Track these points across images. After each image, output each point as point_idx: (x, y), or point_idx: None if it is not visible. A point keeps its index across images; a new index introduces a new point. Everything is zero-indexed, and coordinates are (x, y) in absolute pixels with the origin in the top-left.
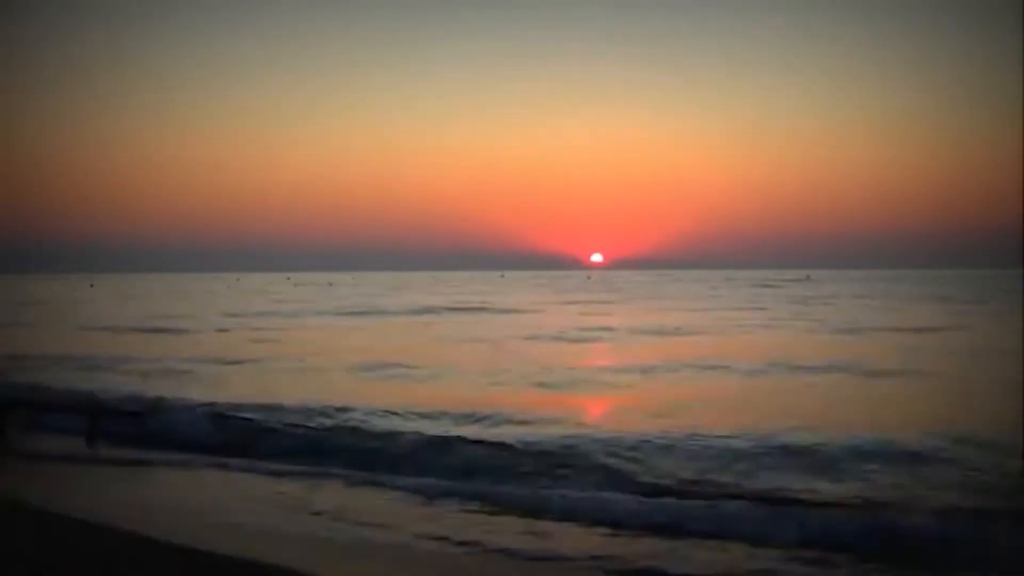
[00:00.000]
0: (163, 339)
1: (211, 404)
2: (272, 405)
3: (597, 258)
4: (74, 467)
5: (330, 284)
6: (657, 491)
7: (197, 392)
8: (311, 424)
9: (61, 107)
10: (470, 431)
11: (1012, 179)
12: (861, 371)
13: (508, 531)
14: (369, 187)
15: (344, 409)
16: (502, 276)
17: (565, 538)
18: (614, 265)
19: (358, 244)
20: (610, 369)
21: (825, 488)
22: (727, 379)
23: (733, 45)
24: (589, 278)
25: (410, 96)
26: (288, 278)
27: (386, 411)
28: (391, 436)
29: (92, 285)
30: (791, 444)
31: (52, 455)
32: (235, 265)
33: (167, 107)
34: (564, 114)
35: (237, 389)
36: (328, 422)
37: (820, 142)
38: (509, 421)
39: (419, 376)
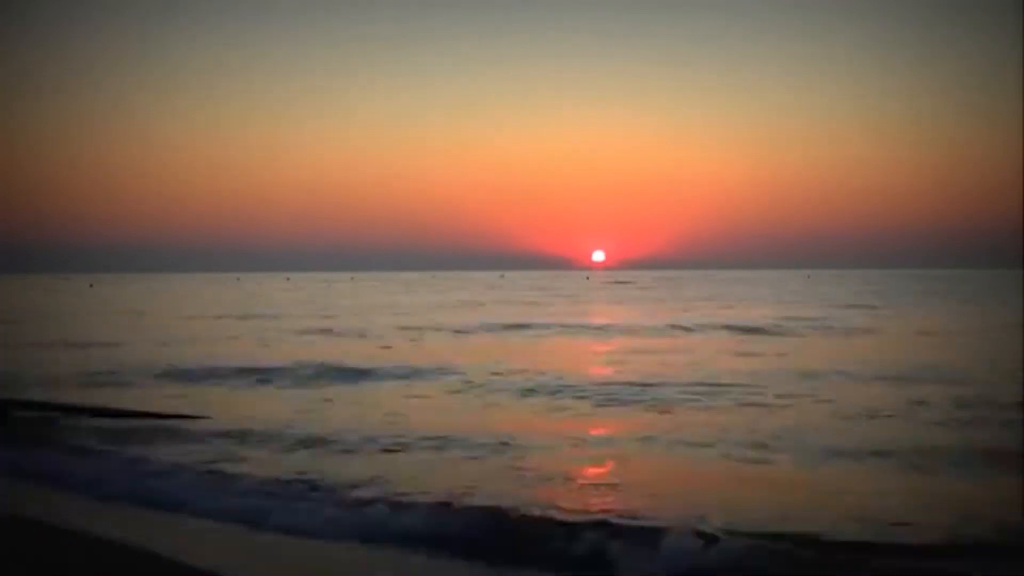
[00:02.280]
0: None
1: None
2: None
3: (599, 258)
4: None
5: None
6: None
7: None
8: None
9: (61, 107)
10: None
11: (1012, 179)
12: None
13: None
14: (369, 187)
15: None
16: (502, 276)
17: None
18: (619, 265)
19: (358, 244)
20: None
21: None
22: None
23: (735, 45)
24: (588, 278)
25: (410, 96)
26: (287, 278)
27: None
28: None
29: (91, 285)
30: None
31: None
32: (234, 265)
33: (167, 107)
34: (566, 114)
35: None
36: None
37: (821, 142)
38: None
39: None
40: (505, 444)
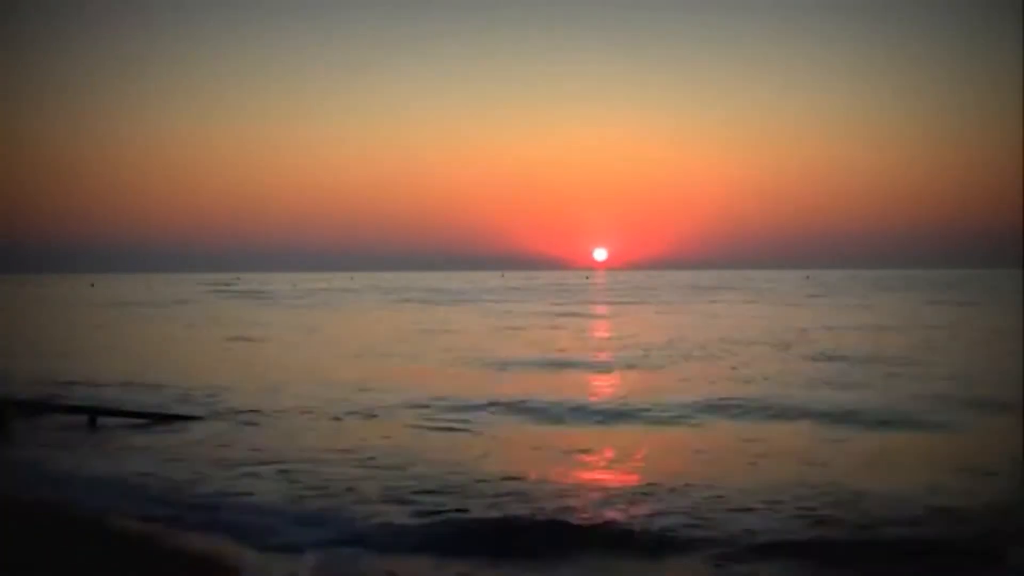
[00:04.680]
0: None
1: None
2: None
3: (601, 258)
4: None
5: None
6: None
7: None
8: None
9: (62, 107)
10: None
11: (1012, 179)
12: None
13: None
14: (370, 188)
15: None
16: (502, 276)
17: None
18: (620, 266)
19: (358, 245)
20: None
21: None
22: None
23: (737, 47)
24: (587, 279)
25: (412, 97)
26: (294, 285)
27: None
28: None
29: (92, 285)
30: None
31: (52, 454)
32: (235, 265)
33: (167, 107)
34: (568, 115)
35: None
36: None
37: (822, 143)
38: None
39: None
40: None
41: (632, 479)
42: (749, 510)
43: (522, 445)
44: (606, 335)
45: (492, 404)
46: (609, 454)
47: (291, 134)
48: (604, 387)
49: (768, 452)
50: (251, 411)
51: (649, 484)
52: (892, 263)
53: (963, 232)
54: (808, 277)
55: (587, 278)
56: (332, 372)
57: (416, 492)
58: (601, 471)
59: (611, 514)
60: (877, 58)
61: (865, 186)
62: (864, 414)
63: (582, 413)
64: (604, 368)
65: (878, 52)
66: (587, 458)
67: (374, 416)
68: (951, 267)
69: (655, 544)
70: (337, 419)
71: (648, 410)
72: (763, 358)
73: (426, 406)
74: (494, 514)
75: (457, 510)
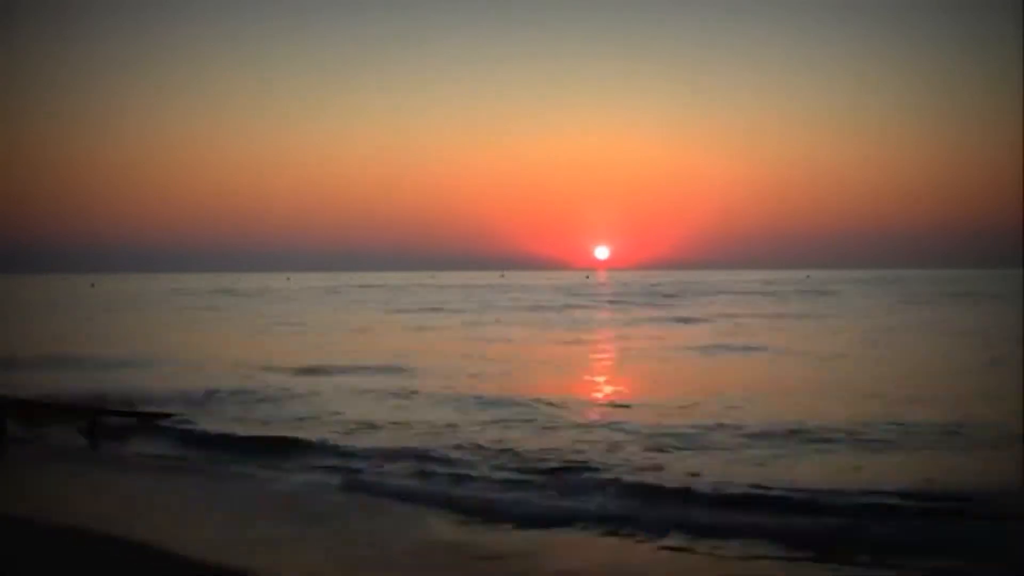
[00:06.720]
0: None
1: None
2: None
3: (602, 258)
4: (74, 469)
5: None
6: None
7: None
8: None
9: (62, 107)
10: None
11: (1012, 179)
12: None
13: None
14: (370, 187)
15: None
16: (502, 276)
17: None
18: (625, 266)
19: (358, 244)
20: None
21: None
22: None
23: (738, 46)
24: (588, 278)
25: (412, 96)
26: (288, 279)
27: None
28: None
29: (92, 285)
30: None
31: (53, 456)
32: (234, 265)
33: (167, 107)
34: (569, 115)
35: None
36: None
37: (823, 143)
38: None
39: None
40: None
41: None
42: None
43: None
44: None
45: None
46: None
47: (291, 134)
48: None
49: None
50: None
51: None
52: (893, 263)
53: (963, 232)
54: (808, 277)
55: (587, 278)
56: None
57: None
58: None
59: None
60: (877, 58)
61: (866, 186)
62: None
63: None
64: None
65: (878, 52)
66: None
67: None
68: (951, 267)
69: None
70: None
71: None
72: None
73: None
74: None
75: None
